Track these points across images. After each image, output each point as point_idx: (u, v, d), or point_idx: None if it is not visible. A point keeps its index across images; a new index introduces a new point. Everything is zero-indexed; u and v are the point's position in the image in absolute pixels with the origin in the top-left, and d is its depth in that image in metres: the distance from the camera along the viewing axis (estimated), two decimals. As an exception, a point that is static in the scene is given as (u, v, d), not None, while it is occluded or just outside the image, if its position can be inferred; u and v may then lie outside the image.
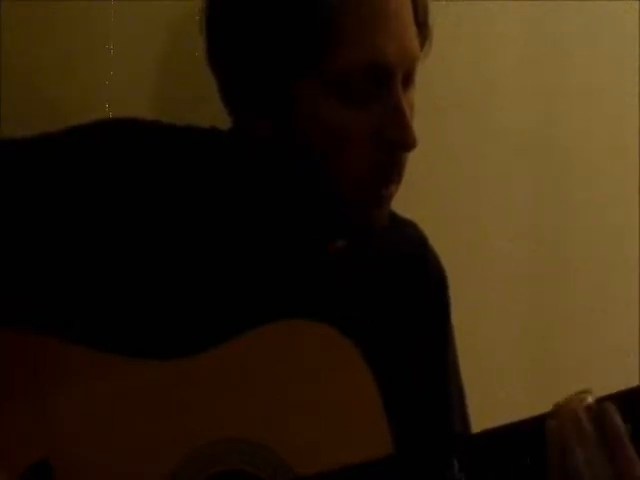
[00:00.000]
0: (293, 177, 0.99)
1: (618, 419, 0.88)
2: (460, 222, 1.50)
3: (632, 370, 1.55)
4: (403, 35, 0.96)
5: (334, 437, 0.93)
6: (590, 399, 0.89)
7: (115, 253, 0.96)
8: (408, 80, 0.98)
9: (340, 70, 0.93)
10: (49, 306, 0.95)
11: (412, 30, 0.97)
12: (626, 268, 1.65)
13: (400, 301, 1.10)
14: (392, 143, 0.95)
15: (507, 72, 1.54)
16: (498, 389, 1.49)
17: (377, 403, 0.95)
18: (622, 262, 1.64)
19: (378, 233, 1.03)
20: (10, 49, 1.12)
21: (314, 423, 0.94)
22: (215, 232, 1.00)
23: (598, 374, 1.55)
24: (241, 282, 1.00)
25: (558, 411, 0.90)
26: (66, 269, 0.96)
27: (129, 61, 1.20)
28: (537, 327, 1.59)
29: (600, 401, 0.89)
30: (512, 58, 1.54)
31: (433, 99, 1.38)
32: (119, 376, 0.93)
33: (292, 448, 0.92)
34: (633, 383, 0.93)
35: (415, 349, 1.10)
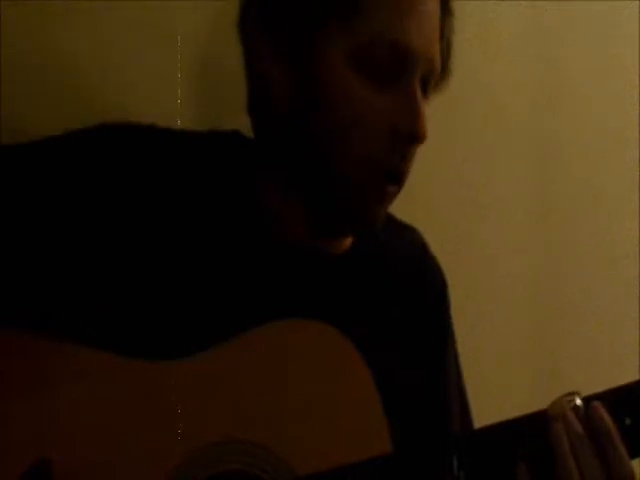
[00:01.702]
0: (297, 163, 1.00)
1: (606, 417, 0.88)
2: (460, 226, 1.50)
3: (632, 370, 1.55)
4: (430, 33, 0.98)
5: (333, 437, 0.93)
6: (578, 400, 0.90)
7: (113, 255, 0.96)
8: (425, 88, 0.99)
9: (364, 43, 0.94)
10: (49, 307, 0.95)
11: (436, 34, 0.99)
12: (626, 268, 1.65)
13: (400, 304, 1.10)
14: (402, 131, 0.96)
15: (507, 73, 1.54)
16: (498, 389, 1.49)
17: (376, 403, 0.95)
18: (622, 262, 1.65)
19: (376, 233, 1.03)
20: (10, 49, 1.12)
21: (314, 423, 0.94)
22: (213, 233, 1.00)
23: (598, 374, 1.55)
24: (241, 282, 1.00)
25: (553, 412, 0.90)
26: (65, 271, 0.96)
27: (130, 62, 1.20)
28: (537, 328, 1.59)
29: (587, 400, 0.90)
30: (512, 59, 1.54)
31: (434, 101, 1.38)
32: (119, 376, 0.93)
33: (292, 448, 0.92)
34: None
35: (415, 352, 1.10)
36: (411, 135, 0.96)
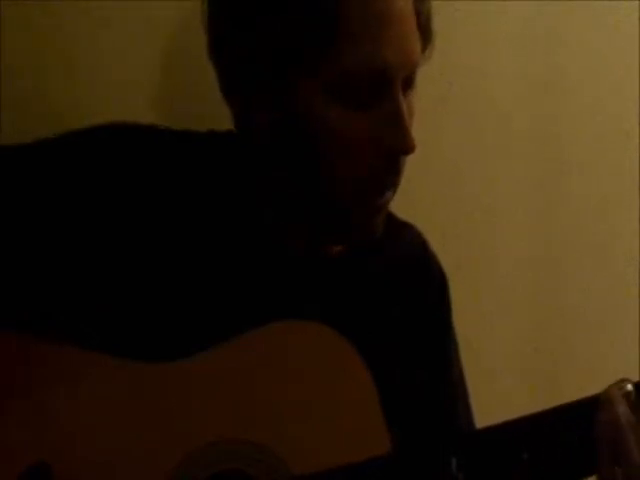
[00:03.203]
0: (289, 182, 0.99)
1: None
2: (460, 225, 1.50)
3: (632, 370, 1.55)
4: (405, 41, 0.95)
5: (333, 437, 0.93)
6: (629, 386, 0.91)
7: (112, 256, 0.96)
8: (408, 84, 0.98)
9: (340, 72, 0.93)
10: (49, 307, 0.95)
11: (415, 35, 0.97)
12: (626, 268, 1.65)
13: (400, 303, 1.10)
14: (390, 148, 0.95)
15: (507, 74, 1.54)
16: (498, 389, 1.49)
17: (375, 403, 0.95)
18: (622, 262, 1.64)
19: (375, 240, 1.03)
20: (10, 49, 1.12)
21: (313, 423, 0.94)
22: (212, 234, 1.00)
23: (598, 374, 1.55)
24: (240, 283, 1.00)
25: (603, 399, 0.92)
26: (65, 271, 0.96)
27: (130, 62, 1.20)
28: (537, 327, 1.58)
29: (638, 387, 0.92)
30: (512, 58, 1.54)
31: (434, 101, 1.38)
32: (118, 376, 0.93)
33: (291, 448, 0.92)
34: (633, 383, 0.94)
35: (415, 351, 1.10)
36: (399, 150, 0.96)
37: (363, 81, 0.93)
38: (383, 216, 1.01)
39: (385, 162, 0.96)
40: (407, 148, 0.95)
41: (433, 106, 1.39)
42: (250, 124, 0.99)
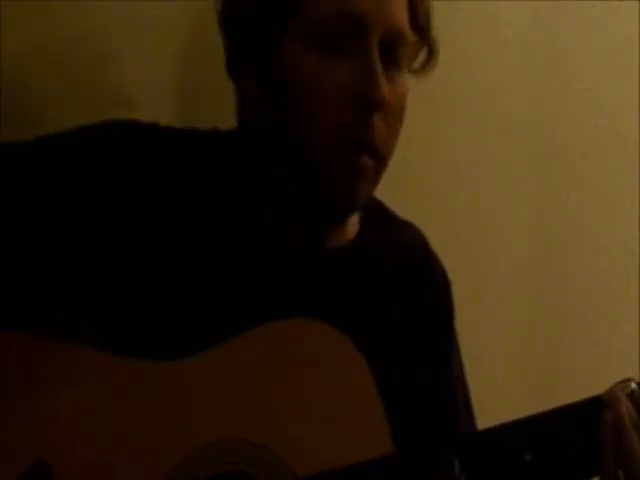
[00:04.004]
0: (277, 154, 1.01)
1: None
2: (460, 224, 1.50)
3: (633, 370, 1.55)
4: None
5: (334, 437, 0.93)
6: (633, 386, 0.92)
7: (113, 254, 0.96)
8: (391, 56, 0.99)
9: (317, 18, 0.96)
10: (49, 307, 0.95)
11: (400, 3, 0.99)
12: (626, 269, 1.65)
13: (401, 302, 1.10)
14: (361, 98, 0.96)
15: (507, 74, 1.54)
16: (498, 389, 1.49)
17: (377, 403, 0.95)
18: (622, 262, 1.64)
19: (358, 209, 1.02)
20: (10, 49, 1.12)
21: (313, 423, 0.94)
22: (213, 233, 1.00)
23: (598, 374, 1.55)
24: (241, 281, 1.00)
25: (608, 399, 0.92)
26: (65, 270, 0.96)
27: (130, 61, 1.20)
28: (538, 327, 1.59)
29: None
30: (512, 58, 1.54)
31: (434, 101, 1.38)
32: (118, 376, 0.93)
33: (292, 448, 0.92)
34: (633, 383, 0.94)
35: (416, 350, 1.10)
36: (369, 101, 0.96)
37: (338, 27, 0.96)
38: (366, 185, 1.00)
39: (357, 115, 0.97)
40: (376, 99, 0.96)
41: (433, 106, 1.39)
42: (244, 102, 1.02)
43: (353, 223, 1.10)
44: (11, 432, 0.90)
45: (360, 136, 0.98)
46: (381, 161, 1.00)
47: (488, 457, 0.90)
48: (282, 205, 1.03)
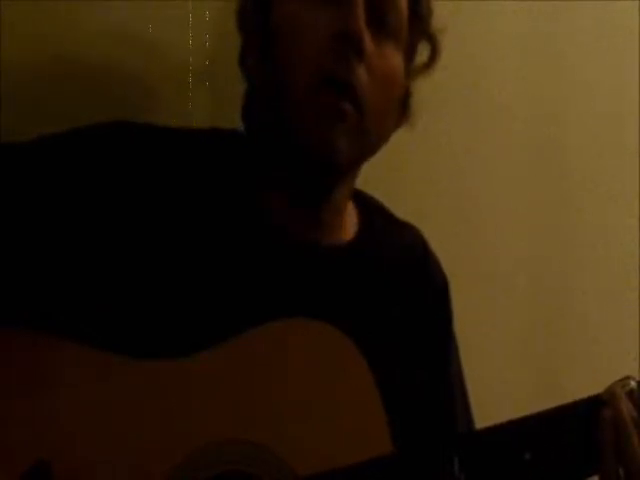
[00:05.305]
0: (278, 150, 1.01)
1: None
2: (460, 223, 1.50)
3: (632, 370, 1.55)
4: None
5: (334, 437, 0.93)
6: (633, 384, 0.92)
7: (112, 254, 0.96)
8: (380, 19, 1.00)
9: None
10: (49, 306, 0.95)
11: None
12: (626, 269, 1.65)
13: (401, 302, 1.10)
14: (341, 36, 0.97)
15: (507, 73, 1.54)
16: (498, 389, 1.49)
17: (377, 403, 0.95)
18: (622, 262, 1.64)
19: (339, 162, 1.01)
20: (10, 49, 1.12)
21: (314, 423, 0.94)
22: (214, 232, 1.00)
23: (598, 374, 1.55)
24: (241, 281, 1.00)
25: (607, 398, 0.93)
26: (65, 270, 0.96)
27: (130, 62, 1.20)
28: (538, 327, 1.59)
29: None
30: (512, 58, 1.54)
31: (434, 100, 1.38)
32: (119, 376, 0.93)
33: (292, 448, 0.92)
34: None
35: (415, 350, 1.10)
36: (349, 35, 0.97)
37: None
38: (346, 137, 0.99)
39: (336, 54, 0.98)
40: (353, 33, 0.97)
41: (433, 105, 1.39)
42: (249, 94, 1.03)
43: (352, 223, 1.10)
44: (11, 432, 0.90)
45: (339, 74, 0.98)
46: (364, 114, 0.99)
47: (488, 456, 0.90)
48: (282, 205, 1.03)
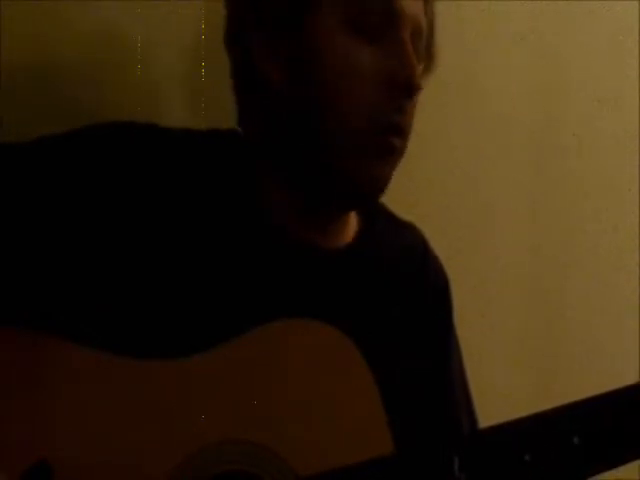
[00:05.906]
0: (297, 143, 1.00)
1: None
2: (460, 224, 1.50)
3: (633, 370, 1.55)
4: None
5: (334, 436, 0.93)
6: None
7: (112, 255, 0.96)
8: (414, 47, 1.00)
9: (357, 2, 0.97)
10: (49, 306, 0.95)
11: (421, 3, 1.03)
12: (626, 269, 1.65)
13: (401, 302, 1.10)
14: (396, 79, 0.97)
15: (507, 73, 1.54)
16: (498, 389, 1.49)
17: (377, 402, 0.95)
18: (623, 262, 1.65)
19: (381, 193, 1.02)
20: (10, 49, 1.12)
21: (314, 423, 0.94)
22: (213, 232, 1.00)
23: (598, 374, 1.55)
24: (241, 282, 1.00)
25: None
26: (65, 270, 0.96)
27: (130, 61, 1.20)
28: (538, 327, 1.59)
29: None
30: (512, 58, 1.54)
31: (434, 100, 1.38)
32: (119, 376, 0.93)
33: (292, 448, 0.92)
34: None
35: (417, 351, 1.10)
36: (405, 82, 0.98)
37: (376, 16, 0.98)
38: (393, 167, 1.02)
39: (392, 98, 0.98)
40: (413, 85, 0.98)
41: (433, 105, 1.39)
42: (268, 77, 1.00)
43: (353, 223, 1.10)
44: (11, 432, 0.90)
45: (395, 120, 0.99)
46: (405, 141, 1.02)
47: (488, 456, 0.90)
48: (282, 205, 1.03)
